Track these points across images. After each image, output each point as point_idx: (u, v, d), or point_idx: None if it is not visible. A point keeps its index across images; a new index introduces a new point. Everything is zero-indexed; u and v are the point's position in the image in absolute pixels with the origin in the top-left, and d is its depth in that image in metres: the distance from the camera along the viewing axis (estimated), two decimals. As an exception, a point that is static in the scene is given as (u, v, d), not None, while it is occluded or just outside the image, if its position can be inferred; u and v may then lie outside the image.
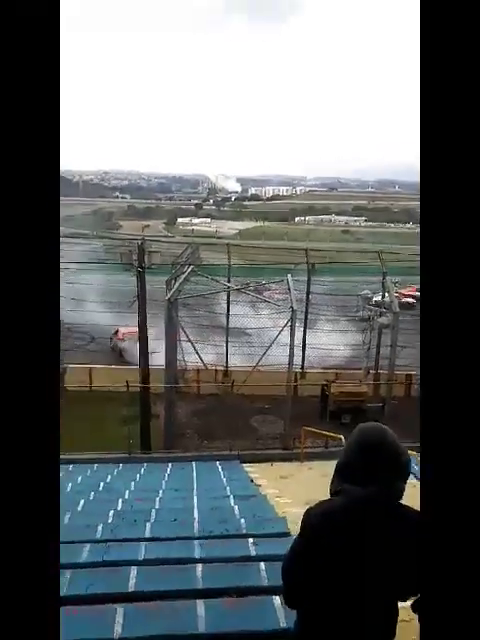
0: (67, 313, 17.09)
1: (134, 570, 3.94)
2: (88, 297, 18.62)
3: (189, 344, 14.96)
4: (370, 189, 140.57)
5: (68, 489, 7.90)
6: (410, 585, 1.70)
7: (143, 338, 11.85)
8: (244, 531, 5.17)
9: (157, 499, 6.92)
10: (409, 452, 1.76)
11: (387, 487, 1.67)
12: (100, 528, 5.20)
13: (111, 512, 5.96)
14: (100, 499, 7.13)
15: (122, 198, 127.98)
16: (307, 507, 1.77)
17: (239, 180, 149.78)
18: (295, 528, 3.59)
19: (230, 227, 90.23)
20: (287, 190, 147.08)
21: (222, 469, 9.56)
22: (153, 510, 6.09)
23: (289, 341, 12.61)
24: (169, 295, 12.64)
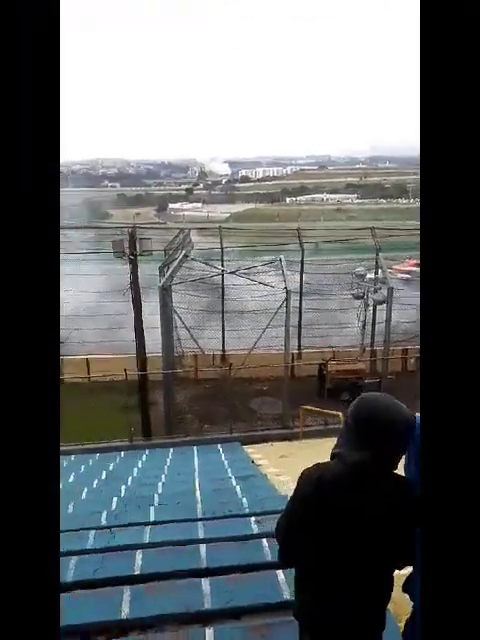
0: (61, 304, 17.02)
1: (139, 553, 4.00)
2: (82, 287, 18.52)
3: (185, 330, 14.97)
4: (361, 165, 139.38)
5: (71, 479, 7.97)
6: (399, 552, 1.76)
7: (139, 326, 11.85)
8: (246, 510, 5.25)
9: (160, 484, 6.99)
10: None
11: (380, 454, 1.71)
12: (104, 515, 5.26)
13: (115, 499, 6.02)
14: (103, 487, 7.20)
15: (111, 187, 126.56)
16: None
17: (229, 163, 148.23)
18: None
19: (222, 211, 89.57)
20: (278, 171, 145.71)
21: (223, 451, 9.65)
22: (156, 495, 6.17)
23: (285, 322, 12.65)
24: (162, 282, 12.61)
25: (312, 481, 1.75)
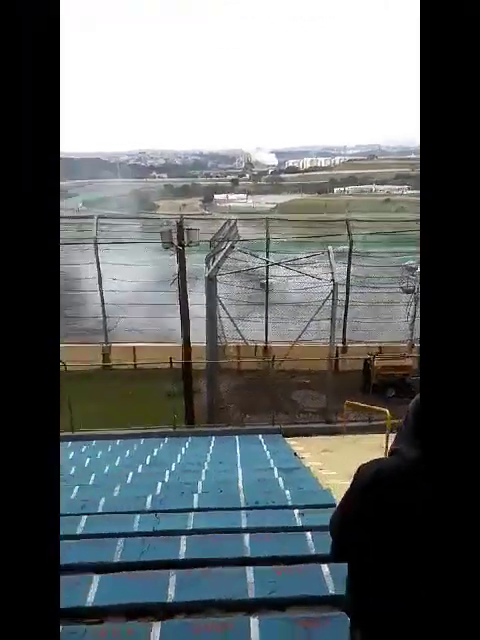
0: (108, 293, 17.47)
1: (184, 539, 4.07)
2: (129, 276, 18.93)
3: (229, 320, 15.03)
4: (412, 156, 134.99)
5: (117, 463, 8.21)
6: None
7: (185, 316, 11.99)
8: (289, 502, 5.24)
9: (203, 471, 7.08)
10: None
11: None
12: (149, 499, 5.38)
13: (159, 484, 6.14)
14: (148, 472, 7.37)
15: (159, 177, 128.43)
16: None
17: (275, 153, 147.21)
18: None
19: (267, 201, 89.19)
20: (325, 160, 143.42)
21: (264, 442, 9.66)
22: (199, 482, 6.25)
23: (330, 315, 12.48)
24: (208, 272, 12.67)
25: (370, 475, 1.72)
